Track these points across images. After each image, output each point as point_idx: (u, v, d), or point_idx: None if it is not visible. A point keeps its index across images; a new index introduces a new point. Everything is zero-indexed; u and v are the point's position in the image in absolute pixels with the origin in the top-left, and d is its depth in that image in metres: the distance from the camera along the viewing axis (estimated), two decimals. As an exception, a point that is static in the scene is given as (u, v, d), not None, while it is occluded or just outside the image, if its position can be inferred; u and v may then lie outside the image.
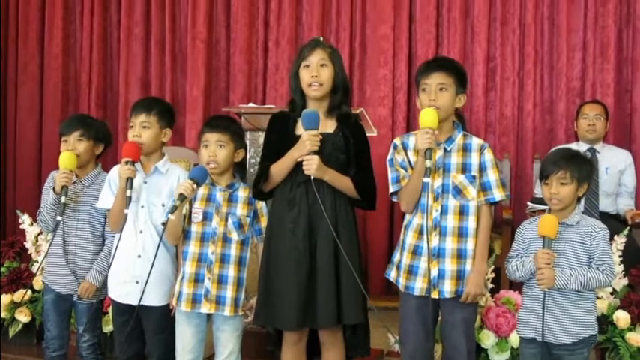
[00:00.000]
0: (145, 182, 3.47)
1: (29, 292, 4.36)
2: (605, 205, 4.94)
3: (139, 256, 3.42)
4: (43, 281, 3.80)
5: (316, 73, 3.23)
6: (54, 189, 3.52)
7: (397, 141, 3.34)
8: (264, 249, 3.33)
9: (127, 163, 3.33)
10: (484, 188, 3.23)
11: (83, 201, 3.65)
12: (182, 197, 3.22)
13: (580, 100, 5.49)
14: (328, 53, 3.29)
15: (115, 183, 3.45)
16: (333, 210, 3.21)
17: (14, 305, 4.45)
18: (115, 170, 3.48)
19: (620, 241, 3.97)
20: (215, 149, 3.37)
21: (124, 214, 3.30)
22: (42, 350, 4.12)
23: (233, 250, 3.36)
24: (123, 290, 3.45)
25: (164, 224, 3.24)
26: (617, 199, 5.03)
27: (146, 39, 6.42)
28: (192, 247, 3.37)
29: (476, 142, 3.27)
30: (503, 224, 5.01)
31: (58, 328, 3.69)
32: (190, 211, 3.38)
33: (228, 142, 3.38)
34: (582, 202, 3.36)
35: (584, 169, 3.11)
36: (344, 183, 3.24)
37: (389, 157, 3.32)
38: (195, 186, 3.27)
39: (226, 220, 3.37)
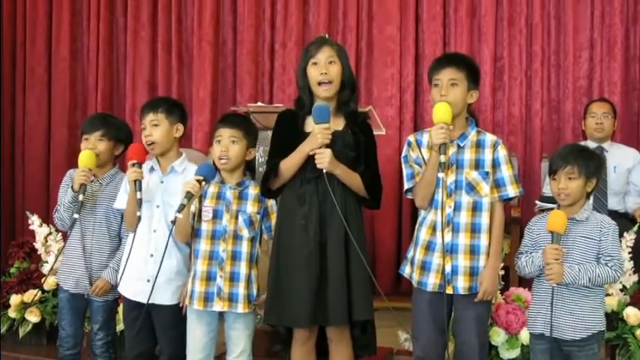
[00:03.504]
0: (162, 182, 3.48)
1: (39, 292, 4.36)
2: (613, 203, 4.94)
3: (152, 255, 3.42)
4: (56, 281, 3.81)
5: (325, 71, 3.23)
6: (72, 187, 3.53)
7: (411, 138, 3.35)
8: (274, 246, 3.33)
9: (133, 165, 3.35)
10: (498, 184, 3.22)
11: (100, 200, 3.66)
12: (189, 195, 3.22)
13: (587, 99, 5.49)
14: (336, 50, 3.29)
15: None
16: (342, 206, 3.20)
17: (24, 306, 4.46)
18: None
19: (629, 238, 3.96)
20: (228, 144, 3.37)
21: (137, 216, 3.32)
22: (52, 350, 4.14)
23: (244, 248, 3.35)
24: (135, 288, 3.45)
25: (173, 222, 3.25)
26: (625, 197, 5.01)
27: (152, 41, 6.42)
28: (203, 246, 3.36)
29: (489, 138, 3.27)
30: (512, 223, 5.00)
31: (72, 326, 3.69)
32: (200, 209, 3.39)
33: (241, 139, 3.38)
34: (591, 200, 3.35)
35: (591, 163, 3.11)
36: (354, 179, 3.24)
37: (403, 154, 3.32)
38: (203, 183, 3.27)
39: (237, 217, 3.36)
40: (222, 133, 3.39)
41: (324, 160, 3.12)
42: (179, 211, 3.20)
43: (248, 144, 3.41)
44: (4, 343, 4.44)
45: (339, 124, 3.29)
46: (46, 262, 4.50)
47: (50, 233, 4.52)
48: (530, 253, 3.15)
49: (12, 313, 4.50)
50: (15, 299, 4.50)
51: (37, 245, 4.57)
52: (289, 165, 3.24)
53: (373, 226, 5.73)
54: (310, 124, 3.23)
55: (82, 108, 6.55)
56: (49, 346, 4.43)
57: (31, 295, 4.43)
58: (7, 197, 6.54)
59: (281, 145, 3.29)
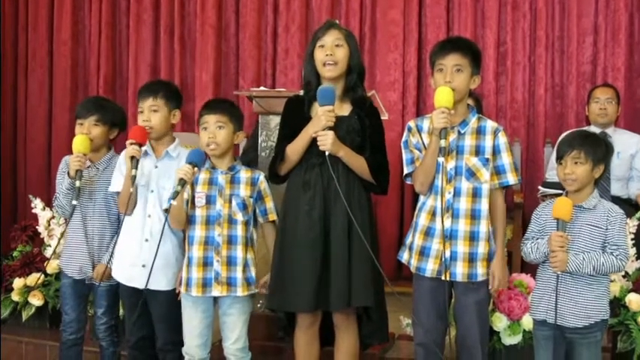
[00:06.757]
0: (156, 166, 3.47)
1: (42, 276, 4.36)
2: (616, 189, 4.93)
3: (147, 240, 3.42)
4: (59, 266, 3.81)
5: (331, 52, 3.22)
6: (68, 173, 3.51)
7: (411, 123, 3.32)
8: (279, 232, 3.33)
9: (132, 143, 3.34)
10: (498, 171, 3.20)
11: (99, 185, 3.64)
12: (182, 182, 3.21)
13: (591, 84, 5.48)
14: (343, 34, 3.28)
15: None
16: (347, 192, 3.19)
17: (27, 289, 4.47)
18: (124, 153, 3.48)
19: (632, 224, 3.96)
20: (214, 130, 3.35)
21: (129, 193, 3.32)
22: (55, 334, 4.16)
23: (239, 231, 3.34)
24: (129, 274, 3.45)
25: (167, 210, 3.24)
26: (628, 183, 5.01)
27: (155, 25, 6.41)
28: (198, 231, 3.35)
29: (490, 124, 3.24)
30: (515, 208, 5.01)
31: (76, 311, 3.69)
32: (193, 196, 3.37)
33: (227, 123, 3.36)
34: (595, 186, 3.33)
35: (599, 149, 3.08)
36: (358, 162, 3.23)
37: (403, 139, 3.30)
38: (195, 169, 3.27)
39: (230, 201, 3.35)
40: (208, 119, 3.37)
41: (327, 141, 3.11)
42: (173, 198, 3.19)
43: (235, 127, 3.39)
44: (6, 326, 4.44)
45: (345, 109, 3.29)
46: (49, 245, 4.50)
47: (53, 217, 4.52)
48: (537, 239, 3.14)
49: (15, 297, 4.50)
50: (18, 282, 4.50)
51: (40, 229, 4.57)
52: (294, 148, 3.24)
53: (375, 212, 5.68)
54: (316, 109, 3.22)
55: (83, 91, 6.54)
56: (52, 329, 4.43)
57: (33, 278, 4.43)
58: (9, 180, 6.55)
59: (288, 131, 3.30)
